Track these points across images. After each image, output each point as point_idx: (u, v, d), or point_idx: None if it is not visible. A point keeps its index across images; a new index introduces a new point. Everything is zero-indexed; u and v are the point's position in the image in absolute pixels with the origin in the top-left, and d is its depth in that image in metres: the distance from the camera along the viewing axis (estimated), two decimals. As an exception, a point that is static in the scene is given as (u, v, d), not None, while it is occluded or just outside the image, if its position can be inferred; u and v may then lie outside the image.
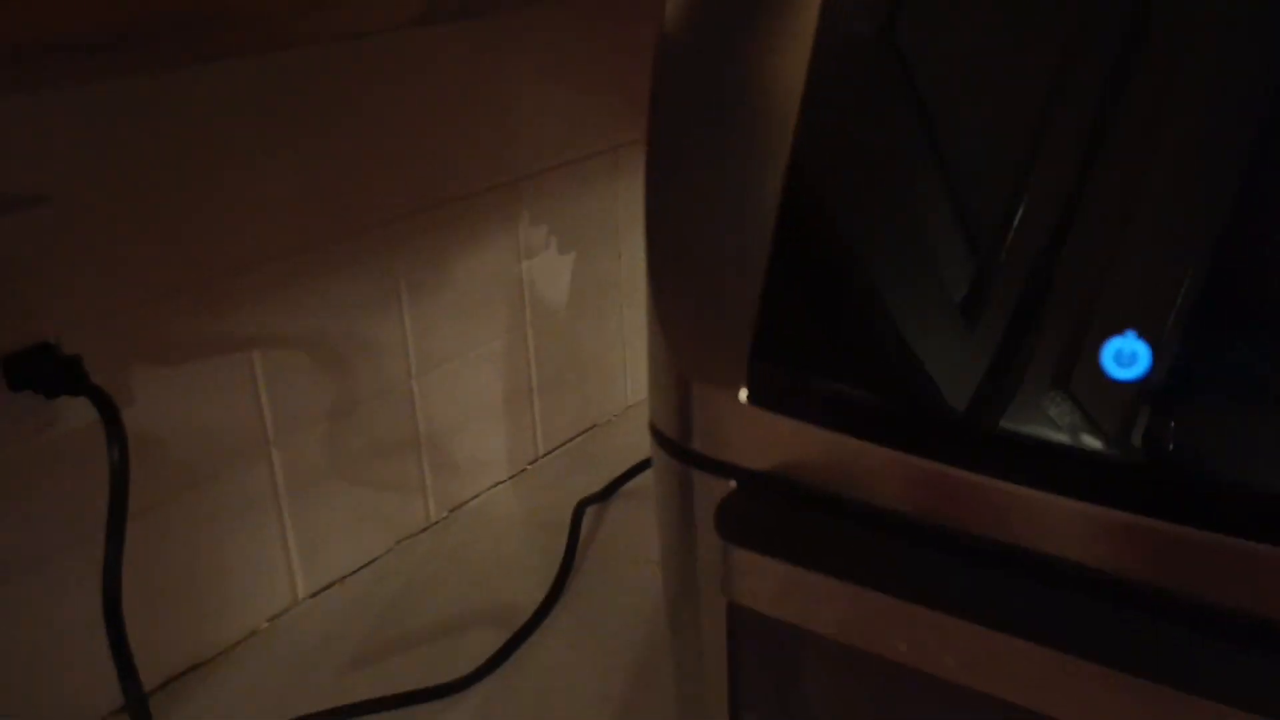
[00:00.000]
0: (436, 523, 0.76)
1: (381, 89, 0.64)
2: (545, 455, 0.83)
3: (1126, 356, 0.26)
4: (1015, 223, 0.28)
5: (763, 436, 0.33)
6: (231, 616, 0.64)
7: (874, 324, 0.31)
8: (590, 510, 0.75)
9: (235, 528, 0.63)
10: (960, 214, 0.29)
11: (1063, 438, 0.27)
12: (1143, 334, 0.26)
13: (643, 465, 0.79)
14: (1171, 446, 0.26)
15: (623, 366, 0.89)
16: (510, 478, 0.81)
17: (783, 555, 0.30)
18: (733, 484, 0.34)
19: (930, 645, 0.29)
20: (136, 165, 0.54)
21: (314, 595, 0.68)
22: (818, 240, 0.32)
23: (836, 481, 0.32)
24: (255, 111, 0.58)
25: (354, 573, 0.70)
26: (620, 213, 0.84)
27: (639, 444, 0.82)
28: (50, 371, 0.50)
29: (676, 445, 0.35)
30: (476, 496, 0.78)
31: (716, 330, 0.33)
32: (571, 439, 0.85)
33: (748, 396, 0.32)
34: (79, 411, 0.53)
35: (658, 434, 0.36)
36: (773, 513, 0.31)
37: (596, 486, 0.77)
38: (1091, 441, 0.26)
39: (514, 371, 0.79)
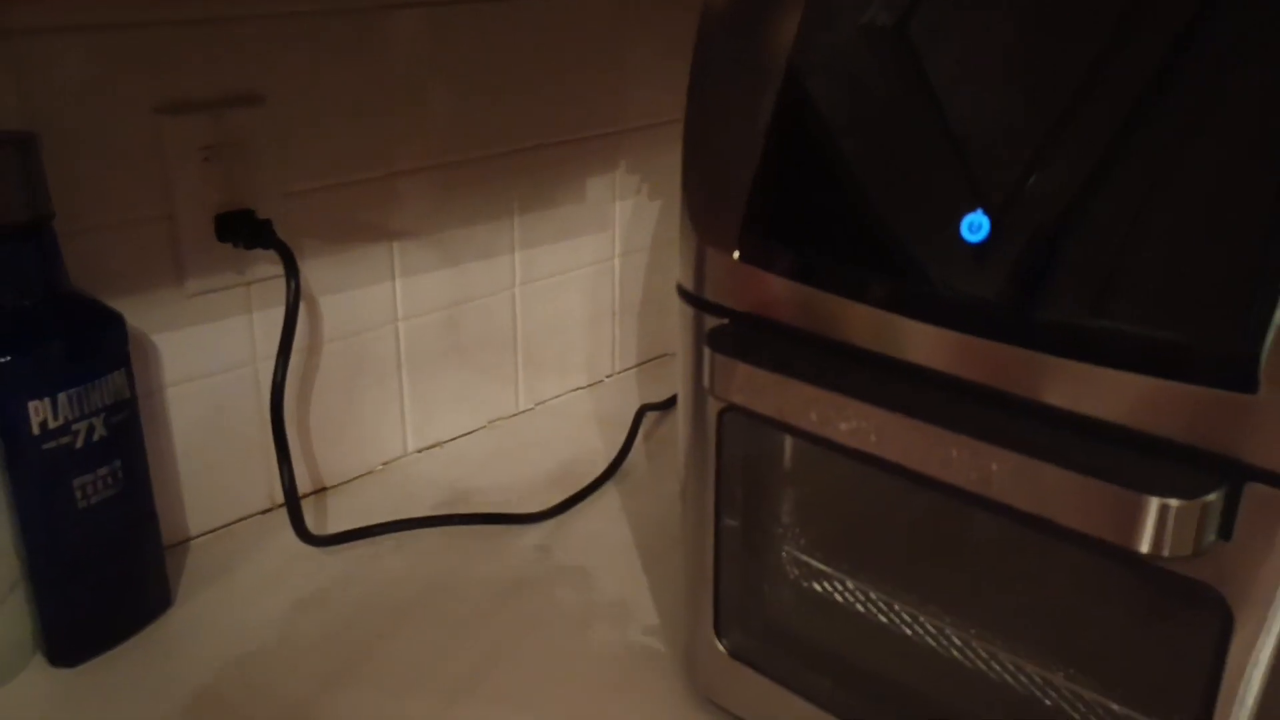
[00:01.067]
0: (523, 412, 0.91)
1: (522, 42, 0.80)
2: (619, 372, 0.98)
3: (976, 226, 0.38)
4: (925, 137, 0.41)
5: (746, 285, 0.46)
6: (353, 454, 0.80)
7: (825, 207, 0.44)
8: (650, 416, 0.89)
9: (365, 383, 0.79)
10: (891, 135, 0.42)
11: (938, 286, 0.40)
12: (988, 211, 0.38)
13: (700, 385, 0.93)
14: (1001, 289, 0.38)
15: (697, 308, 1.02)
16: (588, 385, 0.95)
17: (750, 361, 0.43)
18: (726, 321, 0.47)
19: (841, 423, 0.42)
20: (334, 82, 0.70)
21: (419, 451, 0.84)
22: (788, 154, 0.45)
23: (793, 316, 0.45)
24: (428, 50, 0.74)
25: (452, 440, 0.86)
26: (706, 172, 0.98)
27: (702, 373, 0.96)
28: (248, 230, 0.67)
29: (691, 295, 0.49)
30: (558, 396, 0.93)
31: (723, 210, 0.47)
32: (642, 363, 1.00)
33: (739, 256, 0.46)
34: (264, 266, 0.69)
35: (680, 288, 0.50)
36: (747, 334, 0.45)
37: (655, 399, 0.92)
38: (953, 286, 0.39)
39: (599, 296, 0.94)
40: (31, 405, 0.55)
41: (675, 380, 0.93)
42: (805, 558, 0.54)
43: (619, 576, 0.69)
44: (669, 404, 0.91)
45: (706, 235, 0.48)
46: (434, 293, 0.81)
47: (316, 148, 0.71)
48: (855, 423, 0.41)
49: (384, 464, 0.82)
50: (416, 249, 0.79)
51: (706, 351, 0.46)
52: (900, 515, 0.52)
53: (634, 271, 0.95)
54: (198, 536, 0.72)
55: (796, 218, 0.44)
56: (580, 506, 0.77)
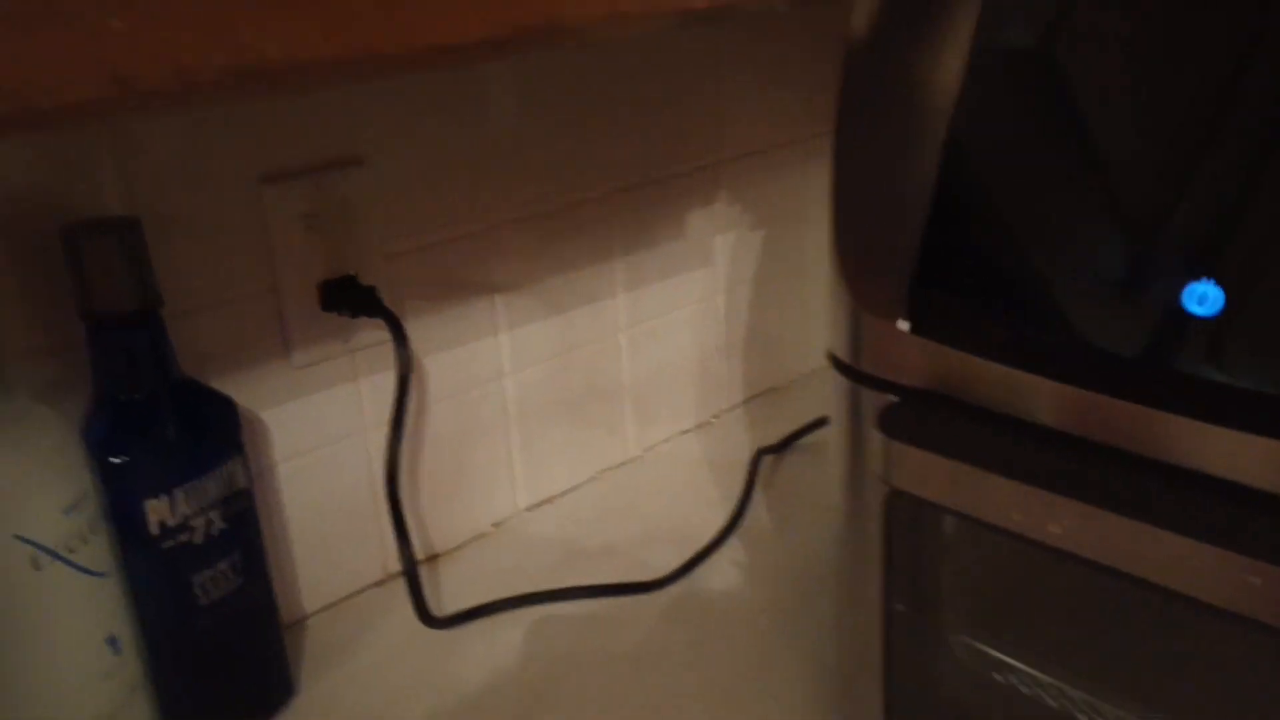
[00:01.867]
0: (632, 460, 0.87)
1: (612, 84, 0.76)
2: (728, 410, 0.94)
3: (1203, 297, 0.34)
4: (1137, 181, 0.36)
5: (918, 359, 0.42)
6: (464, 517, 0.77)
7: (1017, 269, 0.39)
8: (767, 459, 0.85)
9: (474, 442, 0.76)
10: (1097, 183, 0.38)
11: (1158, 361, 0.35)
12: (1220, 281, 0.34)
13: (816, 424, 0.89)
14: (1246, 372, 0.33)
15: (801, 337, 0.98)
16: (696, 427, 0.91)
17: (934, 448, 0.39)
18: (893, 398, 0.43)
19: (1050, 524, 0.38)
20: (429, 138, 0.67)
21: (529, 509, 0.81)
22: (966, 210, 0.41)
23: (975, 394, 0.40)
24: (519, 100, 0.71)
25: (563, 494, 0.83)
26: (807, 197, 0.94)
27: (811, 407, 0.92)
28: (354, 298, 0.64)
29: (848, 367, 0.45)
30: (666, 440, 0.89)
31: (885, 275, 0.43)
32: (751, 398, 0.95)
33: (909, 327, 0.42)
34: (369, 331, 0.67)
35: (834, 359, 0.46)
36: (924, 415, 0.41)
37: (767, 440, 0.87)
38: (1182, 366, 0.35)
39: (704, 334, 0.89)
40: (149, 505, 0.53)
41: (787, 423, 0.90)
42: (981, 645, 0.49)
43: (754, 646, 0.65)
44: (785, 445, 0.87)
45: (866, 302, 0.43)
46: (540, 344, 0.78)
47: (416, 206, 0.68)
48: (1070, 524, 0.36)
49: (495, 524, 0.79)
50: (520, 300, 0.76)
51: (878, 436, 0.41)
52: (1089, 599, 0.47)
53: (738, 306, 0.91)
54: (313, 615, 0.70)
55: (976, 283, 0.40)
56: (704, 566, 0.73)
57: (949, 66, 0.40)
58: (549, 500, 0.82)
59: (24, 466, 0.49)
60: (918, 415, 0.41)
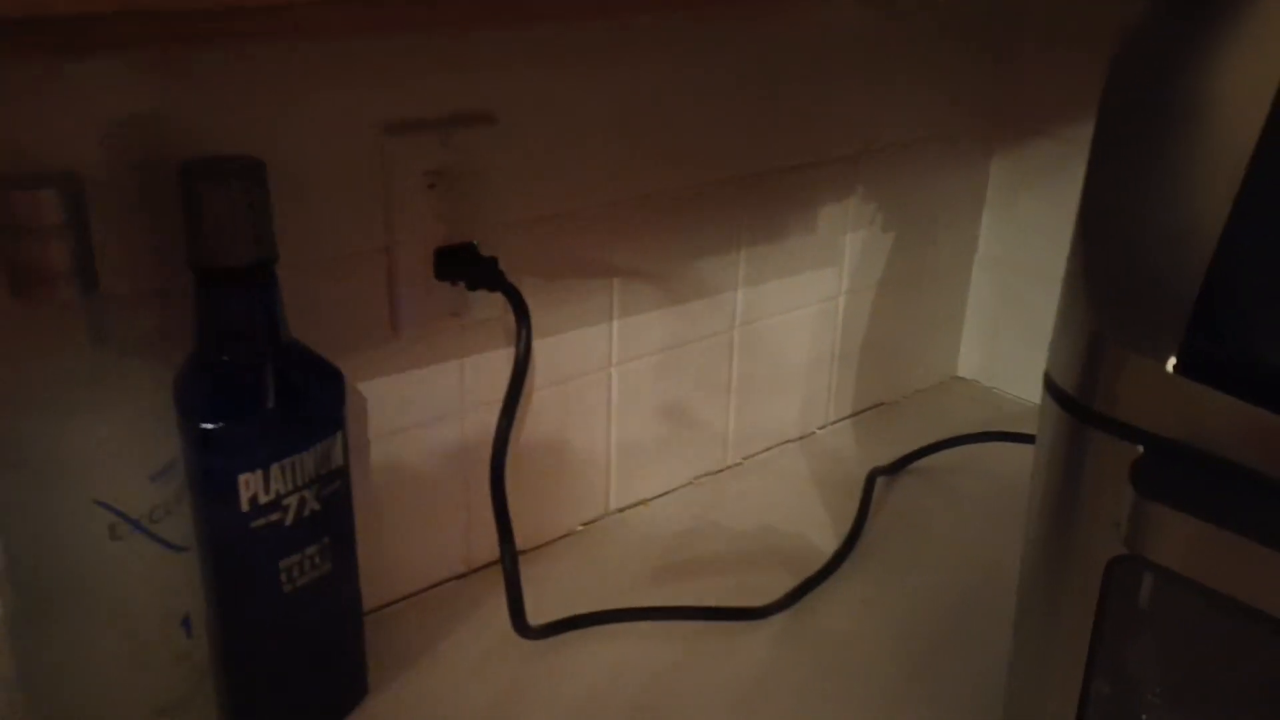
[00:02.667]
0: (730, 467, 0.81)
1: (771, 58, 0.69)
2: (833, 423, 0.87)
3: None
4: None
5: (1181, 405, 0.35)
6: (554, 513, 0.71)
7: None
8: (879, 480, 0.78)
9: (571, 435, 0.70)
10: None
11: None
12: None
13: (935, 446, 0.82)
14: None
15: (917, 353, 0.91)
16: (799, 438, 0.85)
17: (1203, 515, 0.32)
18: (1139, 448, 0.36)
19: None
20: (569, 99, 0.61)
21: (621, 510, 0.75)
22: (1261, 247, 0.34)
23: (1246, 454, 0.34)
24: (672, 65, 0.65)
25: (656, 497, 0.77)
26: (942, 200, 0.86)
27: (924, 427, 0.85)
28: (474, 268, 0.58)
29: (1077, 403, 0.38)
30: (768, 449, 0.83)
31: (1148, 304, 0.36)
32: (859, 412, 0.89)
33: (1176, 366, 0.35)
34: (482, 305, 0.61)
35: (1054, 388, 0.39)
36: (1191, 474, 0.34)
37: (879, 459, 0.80)
38: None
39: (820, 338, 0.83)
40: (242, 478, 0.47)
41: (896, 442, 0.82)
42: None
43: (877, 693, 0.59)
44: (900, 466, 0.80)
45: (1118, 333, 0.37)
46: (651, 335, 0.72)
47: (543, 173, 0.62)
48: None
49: (584, 524, 0.73)
50: (637, 287, 0.69)
51: (1128, 491, 0.35)
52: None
53: (858, 311, 0.84)
54: (387, 606, 0.64)
55: (1265, 325, 0.33)
56: (816, 594, 0.67)
57: (1255, 79, 0.33)
58: (643, 503, 0.76)
59: (111, 426, 0.44)
60: (1175, 471, 0.35)
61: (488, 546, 0.65)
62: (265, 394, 0.48)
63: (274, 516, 0.49)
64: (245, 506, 0.48)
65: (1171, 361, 0.35)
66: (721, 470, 0.80)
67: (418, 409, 0.62)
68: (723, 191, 0.71)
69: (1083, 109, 0.83)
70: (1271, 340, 0.33)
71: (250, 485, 0.48)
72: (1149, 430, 0.36)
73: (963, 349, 0.95)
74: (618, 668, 0.60)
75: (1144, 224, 0.36)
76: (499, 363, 0.63)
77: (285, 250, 0.48)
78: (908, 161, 0.82)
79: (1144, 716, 0.43)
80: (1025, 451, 0.83)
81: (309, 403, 0.50)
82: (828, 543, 0.72)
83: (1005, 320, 0.91)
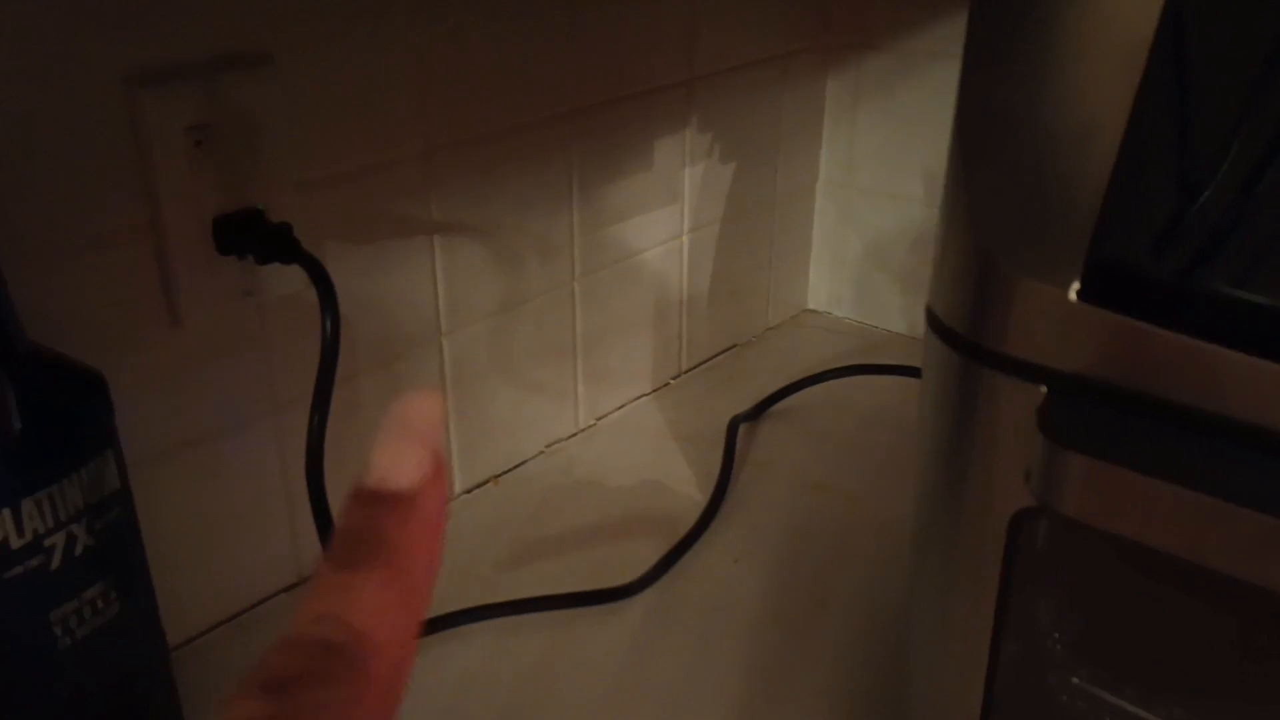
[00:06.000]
0: (583, 429, 0.75)
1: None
2: (688, 371, 0.82)
3: None
4: None
5: (1088, 337, 0.31)
6: (392, 504, 0.64)
7: (1225, 222, 0.29)
8: (741, 428, 0.74)
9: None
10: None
11: None
12: None
13: (793, 387, 0.78)
14: None
15: (766, 288, 0.87)
16: (653, 391, 0.80)
17: (1124, 461, 0.28)
18: (1041, 388, 0.32)
19: (1260, 546, 0.27)
20: (356, 34, 0.53)
21: (468, 491, 0.68)
22: (1172, 143, 0.30)
23: (1167, 387, 0.30)
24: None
25: (507, 472, 0.70)
26: (783, 125, 0.82)
27: (781, 366, 0.81)
28: (263, 238, 0.49)
29: (967, 340, 0.34)
30: (621, 407, 0.77)
31: (1043, 225, 0.31)
32: (713, 357, 0.84)
33: (1079, 292, 0.30)
34: (280, 279, 0.52)
35: (943, 329, 0.35)
36: (1107, 415, 0.30)
37: (737, 405, 0.76)
38: None
39: (666, 283, 0.77)
40: (-16, 523, 0.38)
41: (753, 386, 0.77)
42: (1098, 690, 0.39)
43: (758, 658, 0.54)
44: (760, 410, 0.76)
45: (1010, 258, 0.32)
46: (482, 297, 0.64)
47: (339, 121, 0.53)
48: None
49: (428, 511, 0.66)
50: (461, 244, 0.62)
51: (1043, 445, 0.30)
52: (1220, 632, 0.38)
53: (703, 251, 0.79)
54: (206, 632, 0.56)
55: (1193, 238, 0.29)
56: (685, 561, 0.62)
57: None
58: (492, 480, 0.69)
59: None
60: (1090, 412, 0.31)
61: (320, 551, 0.57)
62: (2, 416, 0.39)
63: (34, 562, 0.40)
64: (-7, 556, 0.39)
65: (1074, 287, 0.31)
66: (574, 435, 0.74)
67: (219, 407, 0.53)
68: (546, 131, 0.64)
69: (914, 19, 0.79)
70: (1187, 256, 0.29)
71: (-3, 529, 0.38)
72: (1053, 367, 0.32)
73: (811, 280, 0.91)
74: (478, 672, 0.54)
75: (1032, 132, 0.32)
76: (308, 348, 0.55)
77: (20, 236, 0.39)
78: (743, 86, 0.77)
79: (1054, 674, 0.40)
80: (885, 382, 0.82)
81: (64, 420, 0.41)
82: (695, 500, 0.67)
83: (852, 246, 0.88)
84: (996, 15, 0.34)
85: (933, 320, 0.35)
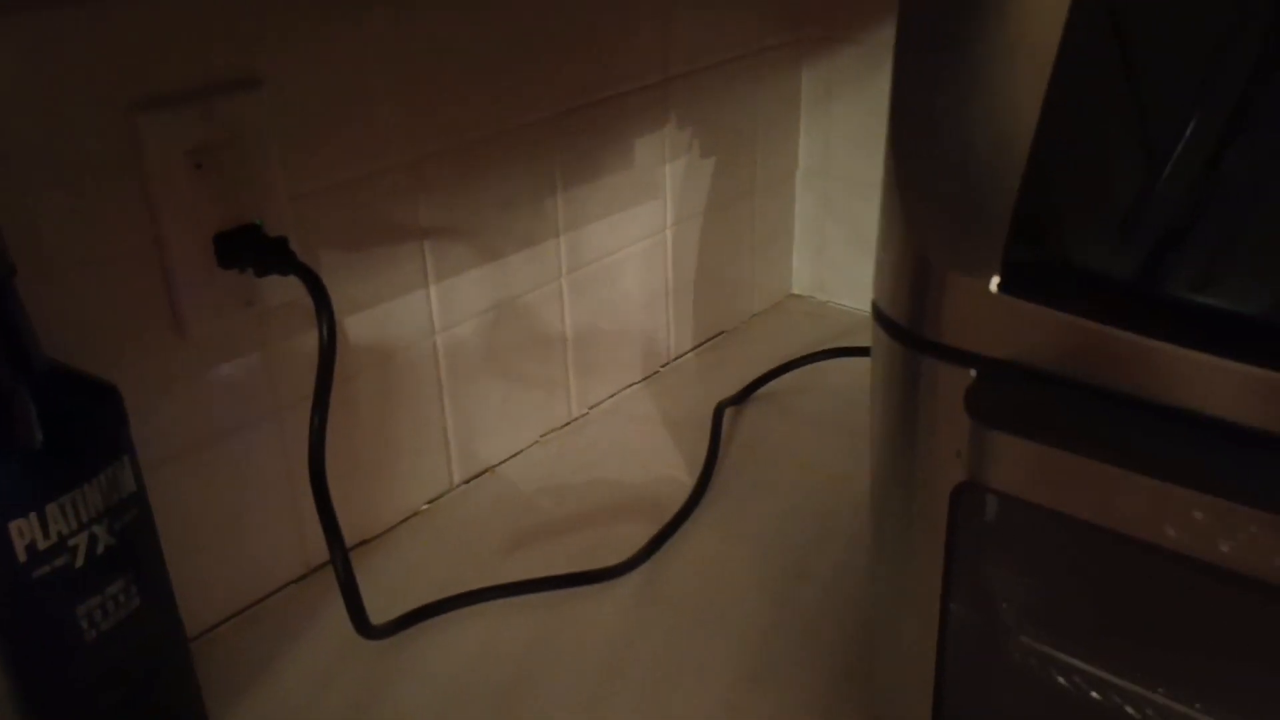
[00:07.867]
0: (576, 419, 0.78)
1: (552, -14, 0.65)
2: (676, 359, 0.85)
3: None
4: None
5: (1009, 325, 0.34)
6: (394, 497, 0.67)
7: (1130, 215, 0.32)
8: (727, 412, 0.77)
9: (401, 412, 0.66)
10: (1207, 133, 0.30)
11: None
12: None
13: (777, 371, 0.81)
14: None
15: (750, 276, 0.90)
16: (644, 379, 0.83)
17: (1042, 438, 0.31)
18: (971, 372, 0.35)
19: (1201, 529, 0.30)
20: (341, 54, 0.55)
21: (467, 481, 0.71)
22: (1078, 141, 0.32)
23: (1081, 370, 0.33)
24: (441, 7, 0.59)
25: (502, 462, 0.73)
26: (760, 119, 0.84)
27: (765, 352, 0.84)
28: (260, 252, 0.53)
29: (907, 331, 0.37)
30: (613, 395, 0.80)
31: (967, 220, 0.34)
32: (700, 344, 0.87)
33: (1000, 284, 0.33)
34: (279, 290, 0.55)
35: (886, 321, 0.38)
36: (1026, 396, 0.33)
37: (726, 391, 0.79)
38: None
39: (652, 275, 0.80)
40: (14, 526, 0.41)
41: (741, 371, 0.80)
42: (1045, 647, 0.42)
43: (744, 635, 0.57)
44: (746, 395, 0.79)
45: (938, 253, 0.35)
46: (473, 295, 0.68)
47: (326, 136, 0.56)
48: (1206, 521, 0.29)
49: (429, 503, 0.69)
50: (450, 247, 0.65)
51: (970, 425, 0.33)
52: (1178, 594, 0.41)
53: (686, 244, 0.82)
54: (221, 623, 0.59)
55: (1099, 231, 0.32)
56: (673, 542, 0.65)
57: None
58: (489, 470, 0.73)
59: None
60: (1011, 394, 0.33)
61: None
62: (25, 428, 0.42)
63: (59, 561, 0.43)
64: (23, 556, 0.42)
65: (995, 280, 0.33)
66: (567, 424, 0.77)
67: (225, 411, 0.56)
68: (528, 134, 0.67)
69: (882, 13, 0.82)
70: (1090, 248, 0.32)
71: (25, 532, 0.42)
72: (980, 353, 0.35)
73: (794, 266, 0.94)
74: (474, 653, 0.57)
75: (956, 133, 0.34)
76: (308, 351, 0.58)
77: (33, 257, 0.42)
78: (719, 82, 0.80)
79: (1008, 635, 0.43)
80: (867, 364, 0.84)
81: (82, 430, 0.44)
82: (684, 484, 0.70)
83: (831, 232, 0.91)
84: (924, 16, 0.37)
85: (876, 312, 0.38)
